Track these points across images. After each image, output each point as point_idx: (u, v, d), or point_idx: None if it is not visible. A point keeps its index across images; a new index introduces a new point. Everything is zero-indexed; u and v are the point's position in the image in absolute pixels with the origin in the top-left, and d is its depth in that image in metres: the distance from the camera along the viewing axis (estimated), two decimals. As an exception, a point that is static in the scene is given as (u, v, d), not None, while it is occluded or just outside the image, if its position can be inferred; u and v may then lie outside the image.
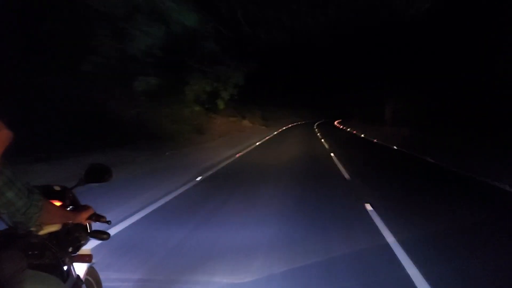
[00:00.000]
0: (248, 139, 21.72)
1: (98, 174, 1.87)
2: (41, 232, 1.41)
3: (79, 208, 1.71)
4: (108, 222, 1.78)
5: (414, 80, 28.01)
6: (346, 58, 73.00)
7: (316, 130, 34.45)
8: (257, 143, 18.98)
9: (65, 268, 1.51)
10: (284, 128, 37.48)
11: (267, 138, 23.12)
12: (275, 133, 28.42)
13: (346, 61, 73.60)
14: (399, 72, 30.28)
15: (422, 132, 23.60)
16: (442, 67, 21.25)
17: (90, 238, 1.77)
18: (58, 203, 1.61)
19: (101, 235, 1.72)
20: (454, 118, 20.71)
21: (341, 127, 46.76)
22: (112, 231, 4.36)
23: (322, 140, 20.95)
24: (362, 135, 26.93)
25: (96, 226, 1.82)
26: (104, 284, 2.10)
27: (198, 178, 8.73)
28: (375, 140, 21.75)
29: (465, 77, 18.69)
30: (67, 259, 1.56)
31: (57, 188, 1.71)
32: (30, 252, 1.35)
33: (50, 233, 1.48)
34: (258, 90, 52.24)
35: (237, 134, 25.90)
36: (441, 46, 20.58)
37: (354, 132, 31.77)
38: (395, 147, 17.05)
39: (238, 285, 3.20)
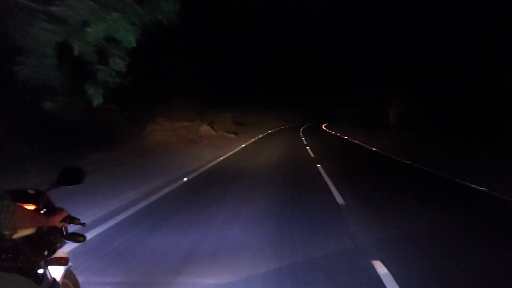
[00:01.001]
0: (182, 162, 11.86)
1: (71, 177, 1.82)
2: (15, 236, 1.37)
3: (52, 211, 1.65)
4: (83, 224, 1.76)
5: (421, 79, 25.00)
6: (337, 54, 63.95)
7: (303, 139, 24.95)
8: (186, 179, 9.00)
9: (40, 271, 1.45)
10: (260, 136, 27.79)
11: (221, 158, 13.23)
12: (243, 145, 18.75)
13: (337, 58, 64.62)
14: (404, 71, 26.75)
15: (446, 142, 18.69)
16: (452, 63, 19.77)
17: (66, 241, 1.71)
18: (31, 207, 1.57)
19: (77, 237, 1.68)
20: (468, 121, 18.45)
21: (333, 132, 37.31)
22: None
23: (319, 165, 11.05)
24: (374, 148, 17.58)
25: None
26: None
27: None
28: (407, 162, 12.33)
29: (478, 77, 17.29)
30: (42, 262, 1.50)
31: (31, 191, 1.65)
32: (3, 256, 1.28)
33: (25, 237, 1.44)
34: (232, 89, 42.92)
35: (176, 150, 15.90)
36: (449, 42, 19.87)
37: (357, 142, 22.42)
38: (481, 188, 7.63)
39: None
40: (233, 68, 45.26)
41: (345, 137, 27.72)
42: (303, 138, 25.37)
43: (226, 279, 3.28)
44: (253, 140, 23.09)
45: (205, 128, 24.06)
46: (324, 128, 51.82)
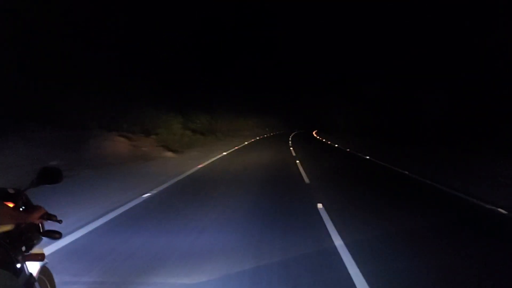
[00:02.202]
0: None
1: (49, 176, 1.85)
2: None
3: (31, 208, 1.71)
4: (60, 221, 1.80)
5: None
6: (332, 48, 53.83)
7: (298, 162, 13.08)
8: None
9: (18, 265, 1.53)
10: (222, 154, 15.68)
11: None
12: (134, 202, 7.01)
13: (332, 53, 54.23)
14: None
15: None
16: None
17: (43, 237, 1.77)
18: (11, 205, 1.61)
19: (53, 234, 1.73)
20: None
21: (336, 145, 25.87)
22: None
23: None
24: (478, 201, 6.37)
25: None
26: (59, 287, 2.04)
27: None
28: None
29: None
30: (20, 257, 1.57)
31: (10, 191, 1.71)
32: None
33: (4, 233, 1.49)
34: (195, 87, 31.68)
35: None
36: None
37: (405, 171, 10.86)
38: None
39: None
40: (200, 64, 33.94)
41: (367, 157, 16.20)
42: (298, 162, 13.61)
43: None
44: (198, 167, 11.25)
45: (105, 143, 12.10)
46: (320, 138, 40.41)
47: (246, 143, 25.50)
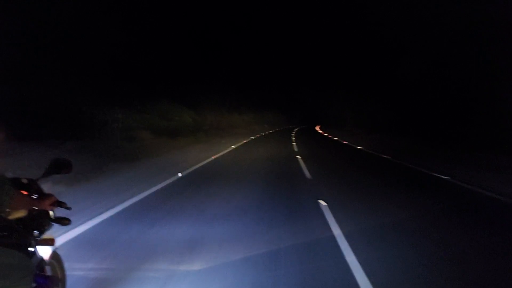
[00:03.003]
0: None
1: (60, 167, 1.94)
2: (10, 217, 1.50)
3: (43, 196, 1.79)
4: (69, 208, 1.91)
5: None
6: (336, 37, 46.80)
7: (331, 219, 5.87)
8: None
9: (30, 248, 1.62)
10: (163, 184, 7.97)
11: None
12: None
13: (335, 42, 46.99)
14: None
15: None
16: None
17: (53, 223, 1.85)
18: (24, 193, 1.67)
19: (63, 220, 1.82)
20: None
21: (358, 147, 18.42)
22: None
23: None
24: None
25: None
26: (68, 273, 2.16)
27: None
28: None
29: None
30: (32, 241, 1.67)
31: (24, 180, 1.79)
32: (0, 233, 1.45)
33: (18, 218, 1.57)
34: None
35: None
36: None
37: None
38: None
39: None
40: (188, 55, 26.75)
41: (433, 174, 8.75)
42: (322, 202, 6.24)
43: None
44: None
45: None
46: (329, 136, 32.85)
47: (233, 147, 17.97)
